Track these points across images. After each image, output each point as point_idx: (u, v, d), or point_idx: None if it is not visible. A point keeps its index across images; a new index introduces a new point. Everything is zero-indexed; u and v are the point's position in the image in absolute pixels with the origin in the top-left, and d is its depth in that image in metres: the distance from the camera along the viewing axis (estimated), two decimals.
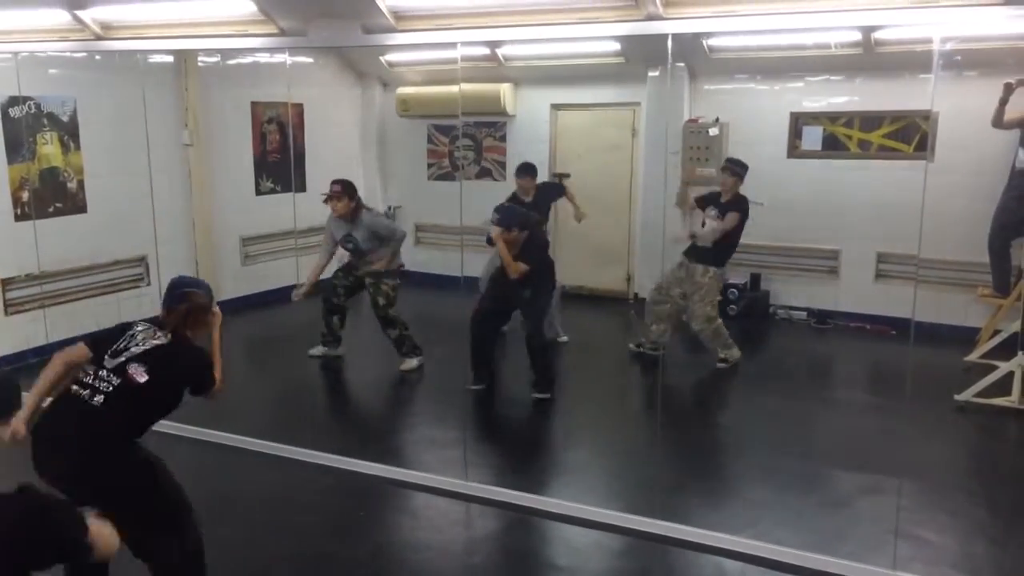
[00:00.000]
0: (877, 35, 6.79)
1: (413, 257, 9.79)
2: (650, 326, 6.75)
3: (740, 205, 6.48)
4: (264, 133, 8.62)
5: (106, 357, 3.12)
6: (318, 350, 6.77)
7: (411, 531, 4.29)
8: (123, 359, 3.11)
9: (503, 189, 7.83)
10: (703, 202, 6.77)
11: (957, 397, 5.69)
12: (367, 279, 6.54)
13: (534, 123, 8.99)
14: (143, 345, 3.15)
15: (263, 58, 8.11)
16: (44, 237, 6.46)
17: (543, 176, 8.83)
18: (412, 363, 6.57)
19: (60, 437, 3.04)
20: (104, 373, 3.09)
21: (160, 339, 3.19)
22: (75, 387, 3.10)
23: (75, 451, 3.02)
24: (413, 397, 6.34)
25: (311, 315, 6.91)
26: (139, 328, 3.22)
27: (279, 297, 8.27)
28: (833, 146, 7.70)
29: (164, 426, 5.14)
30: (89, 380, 3.09)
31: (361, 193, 9.67)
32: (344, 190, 6.38)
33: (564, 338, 7.23)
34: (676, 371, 6.57)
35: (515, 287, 5.87)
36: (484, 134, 9.27)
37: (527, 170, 7.12)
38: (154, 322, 3.28)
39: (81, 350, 3.15)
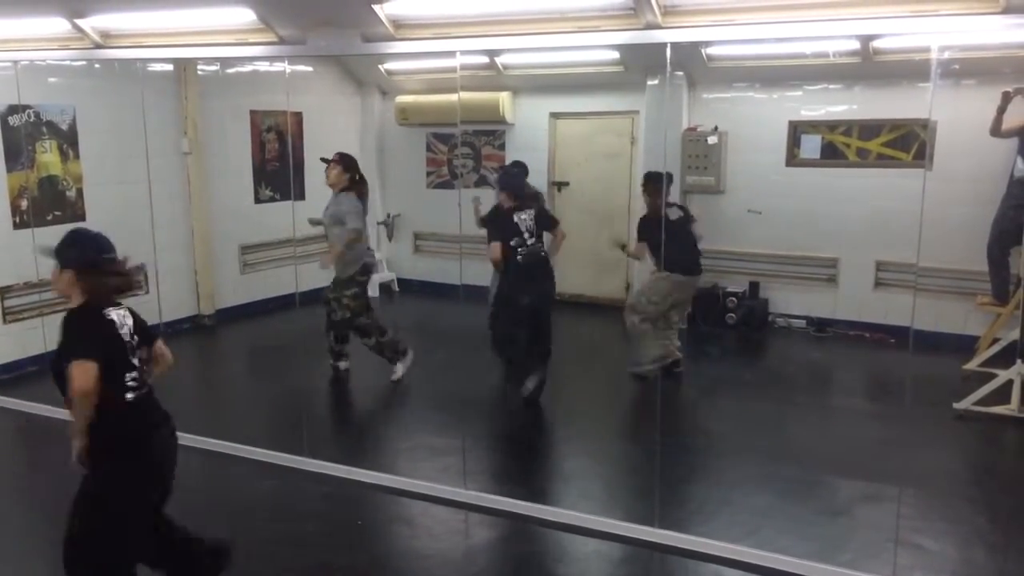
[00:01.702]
0: (876, 44, 6.81)
1: (412, 265, 9.84)
2: (657, 342, 6.41)
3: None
4: (263, 141, 8.63)
5: (129, 357, 3.10)
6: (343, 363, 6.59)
7: (410, 540, 4.28)
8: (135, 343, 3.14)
9: None
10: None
11: (956, 405, 5.68)
12: (328, 293, 6.28)
13: (533, 131, 9.00)
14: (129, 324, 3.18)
15: (262, 66, 8.13)
16: None
17: (542, 185, 8.87)
18: (399, 371, 6.39)
19: (164, 432, 3.22)
20: (138, 367, 3.12)
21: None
22: (133, 395, 3.07)
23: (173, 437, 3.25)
24: (411, 405, 6.32)
25: (310, 323, 6.90)
26: (120, 312, 3.18)
27: (278, 305, 8.29)
28: (832, 154, 7.71)
29: None
30: (138, 380, 3.10)
31: None
32: (340, 159, 6.21)
33: None
34: (674, 380, 6.55)
35: (541, 298, 5.90)
36: (483, 142, 9.29)
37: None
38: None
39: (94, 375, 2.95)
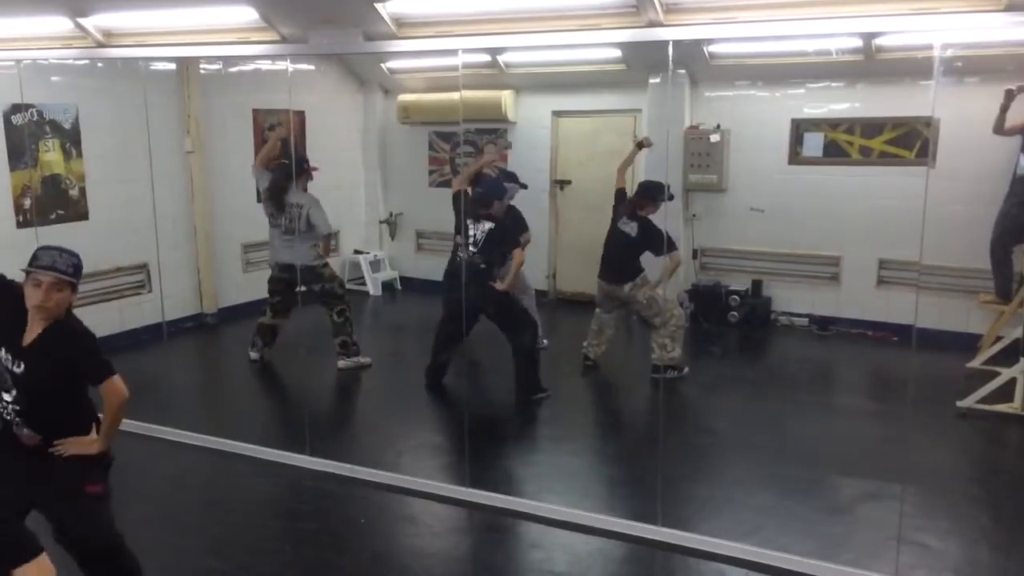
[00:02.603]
0: (878, 41, 6.80)
1: (415, 264, 9.84)
2: (601, 336, 6.83)
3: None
4: (266, 140, 8.61)
5: None
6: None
7: (412, 538, 4.28)
8: None
9: None
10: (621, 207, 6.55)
11: (959, 403, 5.68)
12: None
13: (535, 130, 9.00)
14: None
15: (264, 65, 8.13)
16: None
17: (543, 184, 8.88)
18: (251, 354, 6.93)
19: None
20: None
21: None
22: None
23: None
24: (413, 403, 6.32)
25: (312, 321, 6.91)
26: None
27: None
28: (834, 152, 7.70)
29: (165, 432, 5.16)
30: None
31: (362, 198, 9.70)
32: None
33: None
34: (676, 378, 6.54)
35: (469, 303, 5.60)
36: (485, 141, 9.28)
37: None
38: None
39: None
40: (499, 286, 5.95)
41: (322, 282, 6.60)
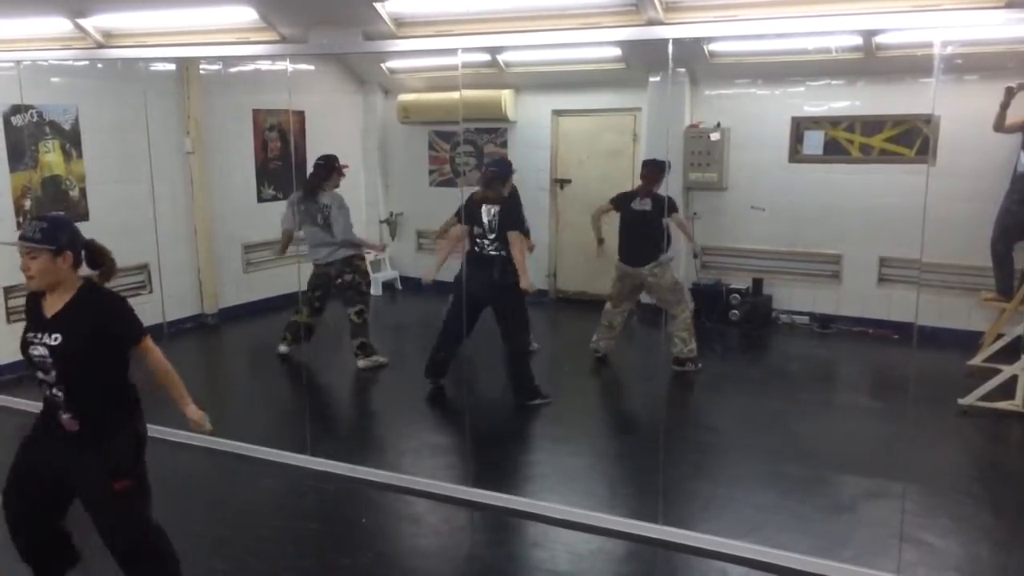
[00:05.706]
0: (878, 39, 6.80)
1: (415, 263, 9.83)
2: (608, 329, 6.91)
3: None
4: (265, 140, 8.63)
5: None
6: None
7: (414, 538, 4.28)
8: None
9: None
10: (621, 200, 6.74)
11: (960, 401, 5.68)
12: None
13: (535, 129, 9.00)
14: None
15: (264, 65, 8.14)
16: None
17: (544, 183, 8.89)
18: (282, 348, 7.00)
19: None
20: None
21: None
22: None
23: None
24: (414, 403, 6.32)
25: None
26: None
27: (281, 304, 8.28)
28: (835, 150, 7.70)
29: (166, 433, 5.16)
30: None
31: (363, 199, 9.72)
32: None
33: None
34: (678, 376, 6.55)
35: (486, 293, 5.76)
36: (485, 140, 9.28)
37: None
38: None
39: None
40: (523, 283, 5.88)
41: (354, 274, 6.67)
